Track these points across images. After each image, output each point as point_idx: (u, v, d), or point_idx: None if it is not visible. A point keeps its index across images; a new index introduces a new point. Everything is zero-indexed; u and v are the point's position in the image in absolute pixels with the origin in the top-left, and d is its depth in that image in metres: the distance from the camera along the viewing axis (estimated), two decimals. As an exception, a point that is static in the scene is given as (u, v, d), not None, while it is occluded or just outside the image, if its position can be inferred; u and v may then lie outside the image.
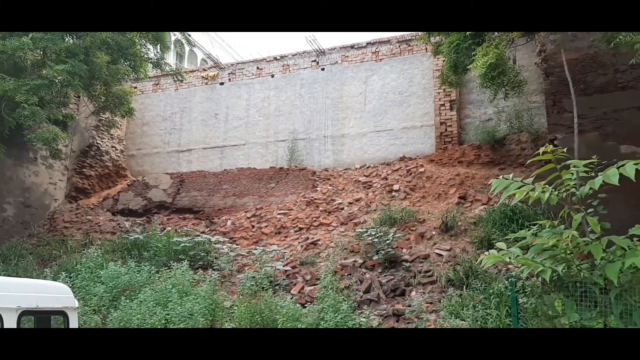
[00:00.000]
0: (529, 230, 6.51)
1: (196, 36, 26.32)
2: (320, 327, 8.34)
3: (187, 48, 28.47)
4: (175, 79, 17.57)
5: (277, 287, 10.25)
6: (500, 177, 6.36)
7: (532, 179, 6.14)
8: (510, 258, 5.97)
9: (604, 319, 5.39)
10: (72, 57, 12.53)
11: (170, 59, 24.50)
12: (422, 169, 14.23)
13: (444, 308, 8.58)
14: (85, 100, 15.78)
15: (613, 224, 5.91)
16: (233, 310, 9.54)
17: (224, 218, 15.10)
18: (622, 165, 5.39)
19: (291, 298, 9.62)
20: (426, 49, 15.28)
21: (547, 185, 5.96)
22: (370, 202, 13.59)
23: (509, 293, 7.29)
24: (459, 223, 11.25)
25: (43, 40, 12.36)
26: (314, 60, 17.37)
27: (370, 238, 10.86)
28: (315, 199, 14.36)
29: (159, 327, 8.84)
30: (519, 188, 5.99)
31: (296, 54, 17.78)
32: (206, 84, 18.69)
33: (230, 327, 9.11)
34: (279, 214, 14.15)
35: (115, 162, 18.43)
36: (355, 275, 10.25)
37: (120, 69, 13.90)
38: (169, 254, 11.94)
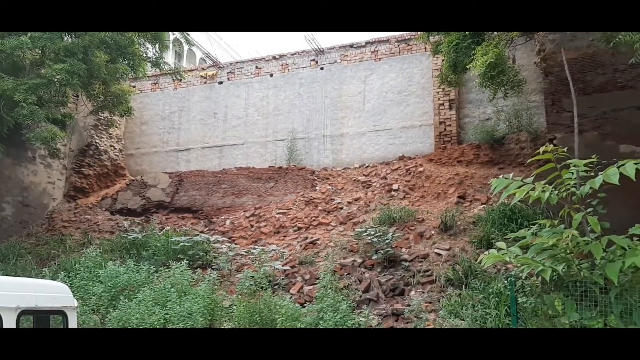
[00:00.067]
0: (528, 229, 6.51)
1: (195, 35, 26.32)
2: (319, 326, 8.34)
3: (185, 47, 28.46)
4: (174, 78, 17.53)
5: (276, 287, 10.25)
6: (500, 176, 6.37)
7: (532, 178, 6.14)
8: (510, 257, 5.97)
9: (604, 318, 5.39)
10: (70, 56, 12.50)
11: (169, 58, 24.45)
12: (421, 169, 14.23)
13: (443, 307, 8.58)
14: (83, 99, 15.76)
15: (612, 224, 5.92)
16: (232, 309, 9.53)
17: (222, 217, 15.09)
18: (622, 165, 5.39)
19: (290, 298, 9.61)
20: (425, 48, 15.27)
21: (547, 185, 5.96)
22: (370, 202, 13.58)
23: (508, 292, 7.29)
24: (458, 222, 11.25)
25: (42, 39, 12.33)
26: (313, 60, 17.36)
27: (369, 237, 10.86)
28: (314, 198, 14.36)
29: (157, 326, 8.83)
30: (519, 187, 5.99)
31: (295, 53, 17.77)
32: (205, 83, 18.66)
33: (229, 326, 9.11)
34: (277, 213, 14.15)
35: (114, 161, 18.41)
36: (354, 275, 10.25)
37: (119, 68, 13.88)
38: (168, 253, 11.92)
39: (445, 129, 15.02)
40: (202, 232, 13.93)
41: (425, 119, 15.52)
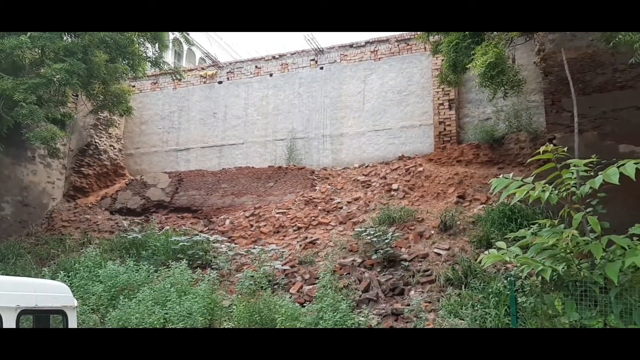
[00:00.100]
0: (528, 229, 6.52)
1: (194, 35, 26.31)
2: (319, 326, 8.34)
3: (185, 47, 28.45)
4: (174, 77, 17.54)
5: (275, 287, 10.25)
6: (500, 176, 6.36)
7: (532, 178, 6.15)
8: (510, 257, 5.98)
9: (604, 318, 5.40)
10: (70, 56, 12.50)
11: (169, 57, 24.44)
12: (420, 168, 14.23)
13: (442, 307, 8.59)
14: (83, 99, 15.75)
15: (612, 224, 5.92)
16: (232, 309, 9.53)
17: (222, 217, 15.09)
18: (622, 165, 5.40)
19: (290, 297, 9.62)
20: (425, 48, 15.27)
21: (547, 185, 5.96)
22: (369, 201, 13.58)
23: (508, 292, 7.29)
24: (458, 222, 11.26)
25: (41, 39, 12.33)
26: (313, 59, 17.35)
27: (369, 237, 10.86)
28: (314, 198, 14.36)
29: (157, 326, 8.83)
30: (519, 187, 5.99)
31: (295, 53, 17.76)
32: (204, 82, 18.66)
33: (228, 326, 9.11)
34: (277, 213, 14.15)
35: (114, 161, 18.40)
36: (354, 275, 10.25)
37: (118, 67, 13.87)
38: (168, 253, 11.92)
39: (444, 129, 15.02)
40: (201, 231, 13.93)
41: (424, 118, 15.52)
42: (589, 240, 5.61)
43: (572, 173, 5.93)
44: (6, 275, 8.38)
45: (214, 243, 12.51)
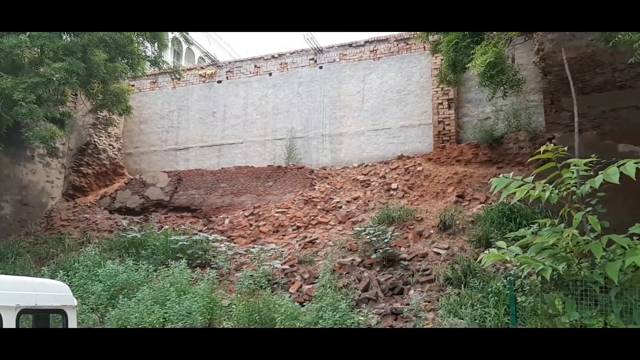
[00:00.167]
0: (528, 229, 6.51)
1: (194, 34, 26.29)
2: (318, 325, 8.34)
3: (184, 46, 28.40)
4: (173, 77, 17.52)
5: (275, 286, 10.25)
6: (500, 175, 6.36)
7: (532, 177, 6.14)
8: (510, 257, 5.97)
9: (605, 317, 5.39)
10: (69, 55, 12.50)
11: (168, 57, 24.41)
12: (420, 168, 14.23)
13: (442, 307, 8.59)
14: (82, 98, 15.74)
15: (612, 223, 5.92)
16: (231, 308, 9.53)
17: (221, 216, 15.08)
18: (623, 164, 5.39)
19: (289, 297, 9.61)
20: (424, 47, 15.27)
21: (547, 184, 5.96)
22: (369, 201, 13.59)
23: (507, 292, 7.29)
24: (457, 222, 11.26)
25: (41, 38, 12.32)
26: (312, 59, 17.35)
27: (368, 237, 10.86)
28: (313, 197, 14.36)
29: (157, 325, 8.83)
30: (519, 187, 5.99)
31: (294, 52, 17.76)
32: (204, 82, 18.65)
33: (228, 325, 9.11)
34: (276, 212, 14.15)
35: (113, 160, 18.39)
36: (353, 274, 10.25)
37: (117, 66, 13.87)
38: (167, 252, 11.91)
39: (444, 128, 15.02)
40: (201, 231, 13.92)
41: (424, 118, 15.52)
42: (589, 239, 5.61)
43: (572, 172, 5.92)
44: (6, 274, 8.38)
45: (213, 242, 12.51)
